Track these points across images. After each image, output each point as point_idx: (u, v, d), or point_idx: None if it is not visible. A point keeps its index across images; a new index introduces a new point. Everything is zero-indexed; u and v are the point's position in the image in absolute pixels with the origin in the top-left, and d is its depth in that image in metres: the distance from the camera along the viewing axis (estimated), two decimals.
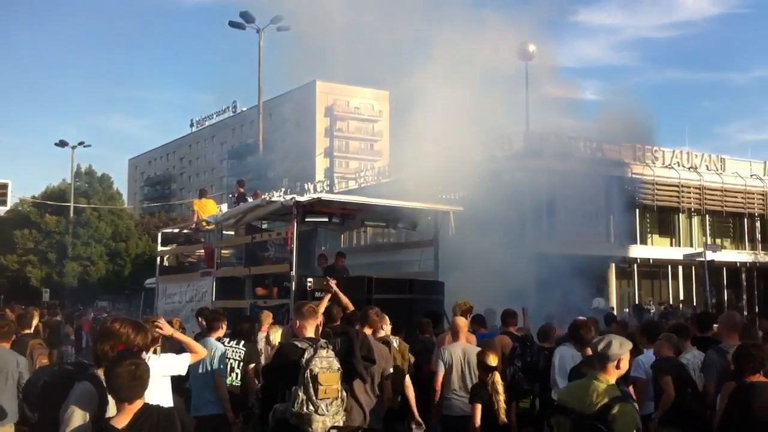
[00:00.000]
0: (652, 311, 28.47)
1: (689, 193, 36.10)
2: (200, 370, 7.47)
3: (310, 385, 5.68)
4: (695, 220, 37.10)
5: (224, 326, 8.06)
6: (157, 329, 4.98)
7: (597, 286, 31.20)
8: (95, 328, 24.12)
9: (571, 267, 23.33)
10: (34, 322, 9.64)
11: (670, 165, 35.61)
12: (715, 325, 8.12)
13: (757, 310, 31.04)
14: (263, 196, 16.50)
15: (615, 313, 19.90)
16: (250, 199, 15.83)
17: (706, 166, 36.80)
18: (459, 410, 7.48)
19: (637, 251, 34.87)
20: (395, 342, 8.03)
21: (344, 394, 6.00)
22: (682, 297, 35.14)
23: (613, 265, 34.12)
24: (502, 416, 6.81)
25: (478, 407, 6.83)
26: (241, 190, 17.39)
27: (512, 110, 28.97)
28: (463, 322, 8.23)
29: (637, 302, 32.87)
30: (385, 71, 30.42)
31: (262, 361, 8.19)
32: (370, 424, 6.65)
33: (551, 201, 30.13)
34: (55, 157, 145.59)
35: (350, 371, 6.30)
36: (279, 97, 75.26)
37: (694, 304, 32.34)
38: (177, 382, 5.29)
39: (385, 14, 27.55)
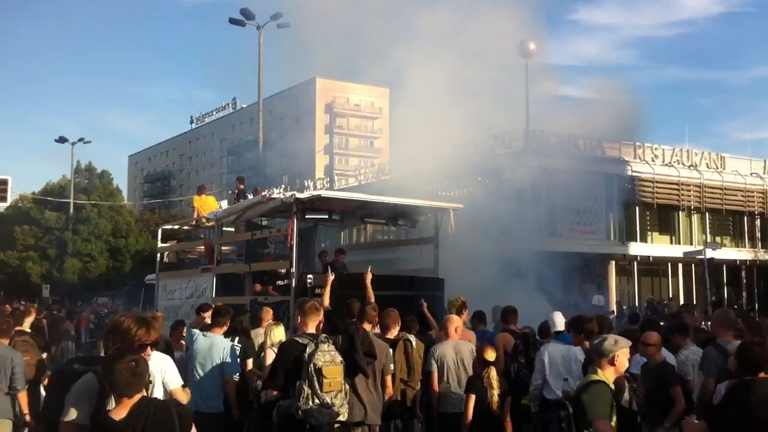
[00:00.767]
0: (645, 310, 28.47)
1: (689, 191, 36.12)
2: (208, 367, 7.40)
3: (315, 378, 5.72)
4: (695, 218, 37.13)
5: (228, 324, 7.92)
6: None
7: (597, 283, 31.30)
8: (95, 323, 24.26)
9: (571, 264, 23.37)
10: (29, 319, 9.63)
11: (670, 163, 35.62)
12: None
13: (756, 308, 31.08)
14: (263, 193, 16.46)
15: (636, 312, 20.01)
16: (250, 196, 15.82)
17: (706, 164, 36.81)
18: (454, 407, 7.51)
19: (636, 249, 34.91)
20: (414, 342, 8.06)
21: (347, 387, 6.05)
22: (681, 295, 35.18)
23: (613, 262, 34.18)
24: (495, 408, 6.91)
25: (472, 398, 6.96)
26: (241, 186, 17.39)
27: (512, 108, 28.96)
28: (455, 320, 8.20)
29: (637, 301, 32.94)
30: (385, 68, 30.42)
31: (268, 359, 8.16)
32: (370, 419, 6.68)
33: (551, 198, 30.14)
34: (55, 154, 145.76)
35: (352, 367, 6.33)
36: (279, 93, 75.17)
37: (694, 302, 32.33)
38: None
39: (384, 11, 27.56)
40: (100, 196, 52.38)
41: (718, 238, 36.04)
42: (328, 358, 5.80)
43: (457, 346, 7.82)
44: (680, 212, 36.66)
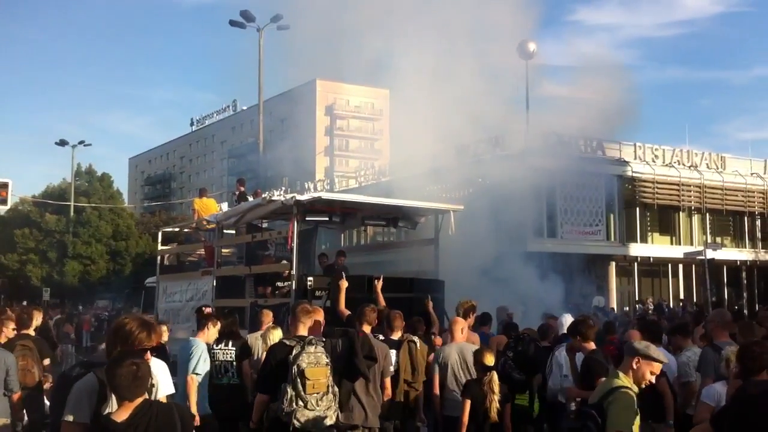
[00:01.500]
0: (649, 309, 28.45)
1: (689, 191, 36.07)
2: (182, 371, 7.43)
3: (298, 380, 5.70)
4: (695, 218, 37.08)
5: (213, 327, 7.90)
6: None
7: (597, 284, 31.25)
8: (95, 326, 24.32)
9: (572, 266, 23.35)
10: (35, 322, 9.59)
11: (670, 163, 35.59)
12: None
13: (757, 309, 31.02)
14: (264, 195, 16.46)
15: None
16: (250, 198, 15.81)
17: (707, 164, 36.77)
18: (458, 410, 7.47)
19: (637, 250, 34.87)
20: (418, 343, 8.05)
21: (336, 389, 6.01)
22: (682, 295, 35.15)
23: (614, 263, 34.15)
24: (493, 414, 6.84)
25: (467, 403, 6.91)
26: (242, 188, 17.37)
27: (513, 108, 28.96)
28: (460, 322, 8.18)
29: (638, 299, 32.89)
30: (385, 70, 30.37)
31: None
32: (369, 422, 6.66)
33: (551, 199, 30.12)
34: (55, 156, 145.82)
35: (353, 370, 6.31)
36: (279, 95, 75.12)
37: (695, 302, 32.31)
38: None
39: (384, 13, 27.55)
40: (100, 199, 52.37)
41: (718, 239, 36.01)
42: (312, 359, 5.77)
43: (462, 348, 7.77)
44: (681, 213, 36.61)
